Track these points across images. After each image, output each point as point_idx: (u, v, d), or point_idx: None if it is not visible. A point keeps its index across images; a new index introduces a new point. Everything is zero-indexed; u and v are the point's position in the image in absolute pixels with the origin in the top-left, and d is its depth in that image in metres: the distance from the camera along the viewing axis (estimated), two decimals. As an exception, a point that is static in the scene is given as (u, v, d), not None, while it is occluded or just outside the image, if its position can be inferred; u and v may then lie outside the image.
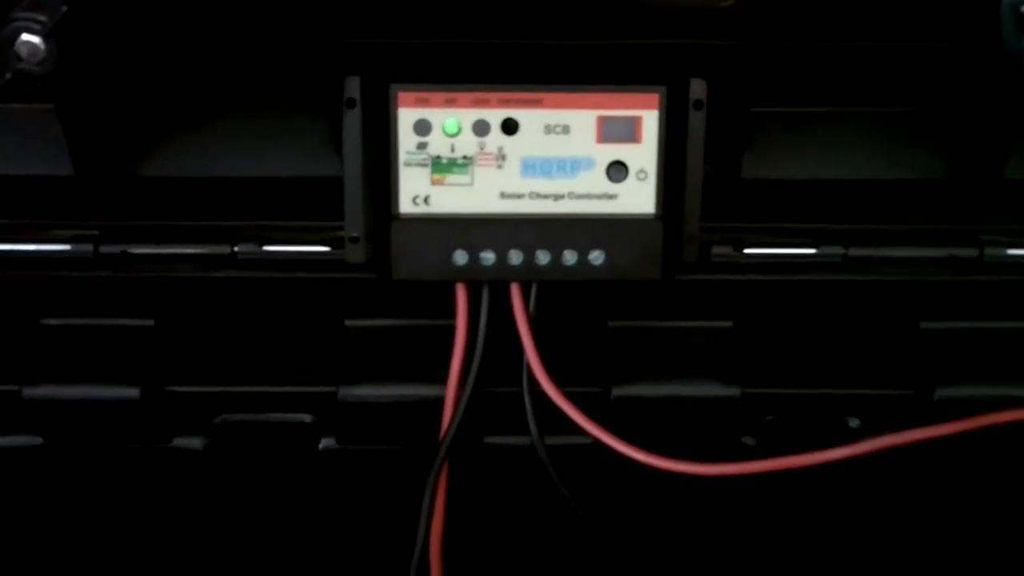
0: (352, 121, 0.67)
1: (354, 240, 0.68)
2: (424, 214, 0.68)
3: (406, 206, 0.68)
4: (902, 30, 0.69)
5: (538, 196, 0.68)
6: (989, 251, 0.73)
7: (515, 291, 0.70)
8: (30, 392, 0.76)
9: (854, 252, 0.73)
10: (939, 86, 0.72)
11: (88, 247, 0.72)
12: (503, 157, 0.67)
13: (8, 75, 0.58)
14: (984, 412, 0.72)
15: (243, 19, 0.68)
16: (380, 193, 0.68)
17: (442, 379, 0.72)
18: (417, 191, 0.67)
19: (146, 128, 0.73)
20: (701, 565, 0.83)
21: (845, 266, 0.73)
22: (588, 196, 0.68)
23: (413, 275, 0.69)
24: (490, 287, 0.71)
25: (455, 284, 0.70)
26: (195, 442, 0.79)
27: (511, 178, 0.67)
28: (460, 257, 0.68)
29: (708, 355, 0.77)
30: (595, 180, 0.68)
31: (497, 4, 0.68)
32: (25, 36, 0.57)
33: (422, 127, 0.67)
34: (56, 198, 0.73)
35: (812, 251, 0.73)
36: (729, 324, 0.78)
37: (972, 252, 0.73)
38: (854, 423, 0.78)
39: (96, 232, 0.73)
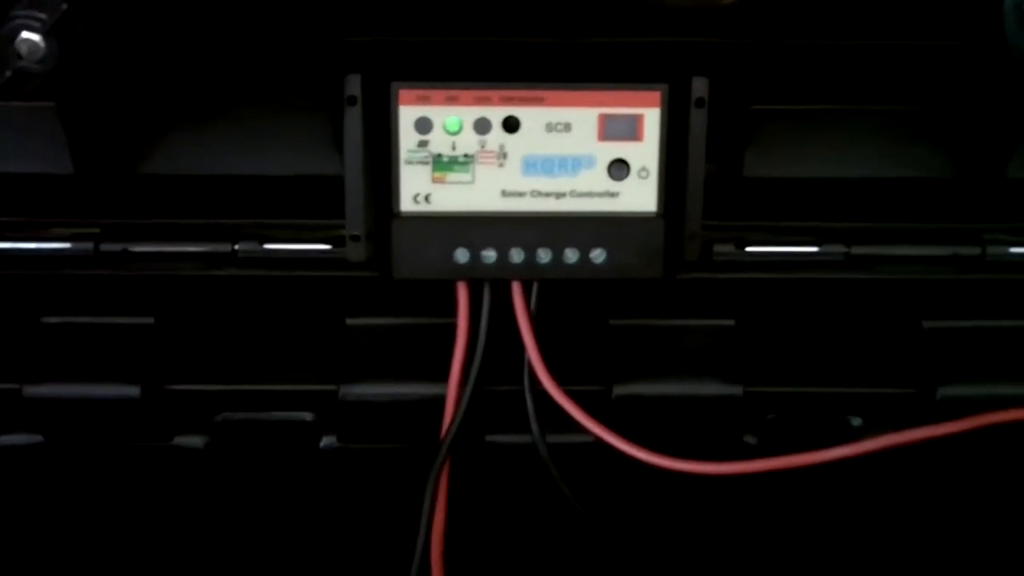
0: (353, 119, 0.66)
1: (355, 238, 0.68)
2: (425, 212, 0.68)
3: (407, 204, 0.67)
4: (905, 28, 0.69)
5: (539, 194, 0.68)
6: (992, 250, 0.73)
7: (516, 289, 0.70)
8: (31, 390, 0.76)
9: (856, 250, 0.73)
10: (942, 84, 0.72)
11: (88, 245, 0.72)
12: (504, 155, 0.67)
13: (8, 73, 0.58)
14: (986, 411, 0.72)
15: (244, 17, 0.68)
16: (381, 191, 0.68)
17: (443, 378, 0.72)
18: (418, 189, 0.67)
19: (147, 126, 0.73)
20: (703, 564, 0.83)
21: (847, 264, 0.73)
22: (589, 194, 0.68)
23: (414, 274, 0.69)
24: (491, 285, 0.71)
25: (456, 282, 0.70)
26: (196, 440, 0.79)
27: (512, 176, 0.67)
28: (461, 255, 0.68)
29: (710, 354, 0.77)
30: (596, 178, 0.67)
31: (498, 2, 0.67)
32: (25, 34, 0.57)
33: (423, 125, 0.66)
34: (56, 196, 0.73)
35: (814, 249, 0.73)
36: (731, 323, 0.77)
37: (975, 251, 0.73)
38: (856, 422, 0.78)
39: (96, 230, 0.73)
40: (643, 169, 0.67)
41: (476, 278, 0.70)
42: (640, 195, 0.68)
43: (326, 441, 0.79)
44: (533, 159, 0.67)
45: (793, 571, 0.83)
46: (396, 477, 0.78)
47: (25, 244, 0.73)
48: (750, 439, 0.79)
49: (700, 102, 0.66)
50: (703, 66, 0.67)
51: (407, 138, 0.67)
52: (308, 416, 0.79)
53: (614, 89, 0.67)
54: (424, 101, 0.66)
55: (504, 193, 0.68)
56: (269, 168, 0.73)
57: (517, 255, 0.68)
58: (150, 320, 0.77)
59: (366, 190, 0.67)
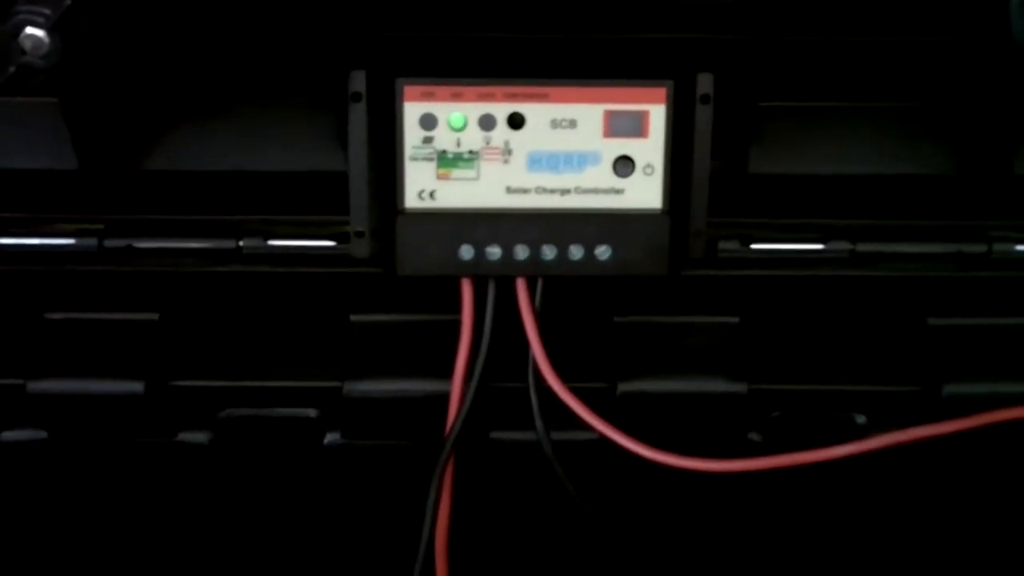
0: (357, 115, 0.66)
1: (359, 235, 0.68)
2: (430, 209, 0.67)
3: (412, 200, 0.67)
4: (910, 25, 0.69)
5: (544, 191, 0.68)
6: (997, 247, 0.73)
7: (521, 286, 0.70)
8: (35, 386, 0.76)
9: (861, 248, 0.73)
10: (947, 81, 0.72)
11: (92, 241, 0.72)
12: (509, 151, 0.67)
13: (12, 68, 0.58)
14: (992, 409, 0.72)
15: (249, 13, 0.68)
16: (385, 188, 0.67)
17: (447, 374, 0.72)
18: (423, 185, 0.67)
19: (150, 122, 0.73)
20: (707, 561, 0.83)
21: (852, 262, 0.73)
22: (595, 191, 0.68)
23: (418, 270, 0.68)
24: (496, 282, 0.70)
25: (460, 279, 0.70)
26: (200, 436, 0.79)
27: (517, 172, 0.67)
28: (466, 252, 0.68)
29: (714, 351, 0.77)
30: (602, 175, 0.67)
31: (503, -2, 0.67)
32: (29, 29, 0.57)
33: (428, 121, 0.66)
34: (60, 192, 0.73)
35: (819, 247, 0.73)
36: (736, 320, 0.77)
37: (980, 248, 0.73)
38: (861, 419, 0.78)
39: (100, 226, 0.73)
40: (648, 166, 0.67)
41: (480, 275, 0.70)
42: (645, 192, 0.68)
43: (330, 437, 0.79)
44: (538, 155, 0.67)
45: (798, 568, 0.83)
46: (400, 474, 0.78)
47: (29, 240, 0.73)
48: (755, 436, 0.78)
49: (705, 98, 0.66)
50: (708, 62, 0.67)
51: (412, 134, 0.67)
52: (312, 412, 0.79)
53: (619, 85, 0.66)
54: (429, 97, 0.66)
55: (509, 190, 0.67)
56: (273, 164, 0.73)
57: (522, 252, 0.68)
58: (154, 316, 0.77)
59: (371, 186, 0.67)
